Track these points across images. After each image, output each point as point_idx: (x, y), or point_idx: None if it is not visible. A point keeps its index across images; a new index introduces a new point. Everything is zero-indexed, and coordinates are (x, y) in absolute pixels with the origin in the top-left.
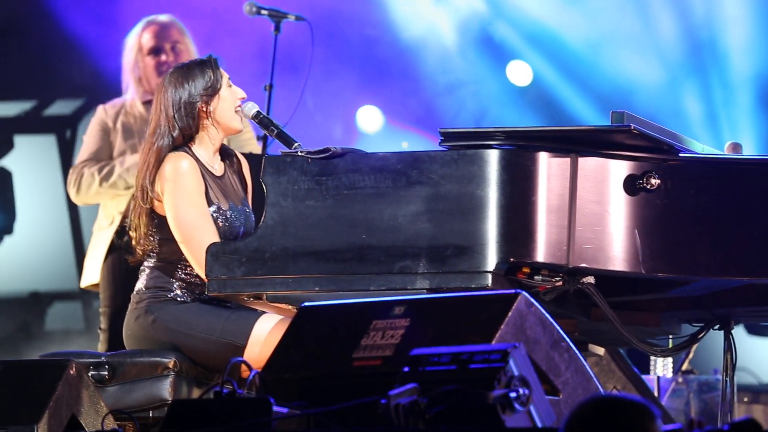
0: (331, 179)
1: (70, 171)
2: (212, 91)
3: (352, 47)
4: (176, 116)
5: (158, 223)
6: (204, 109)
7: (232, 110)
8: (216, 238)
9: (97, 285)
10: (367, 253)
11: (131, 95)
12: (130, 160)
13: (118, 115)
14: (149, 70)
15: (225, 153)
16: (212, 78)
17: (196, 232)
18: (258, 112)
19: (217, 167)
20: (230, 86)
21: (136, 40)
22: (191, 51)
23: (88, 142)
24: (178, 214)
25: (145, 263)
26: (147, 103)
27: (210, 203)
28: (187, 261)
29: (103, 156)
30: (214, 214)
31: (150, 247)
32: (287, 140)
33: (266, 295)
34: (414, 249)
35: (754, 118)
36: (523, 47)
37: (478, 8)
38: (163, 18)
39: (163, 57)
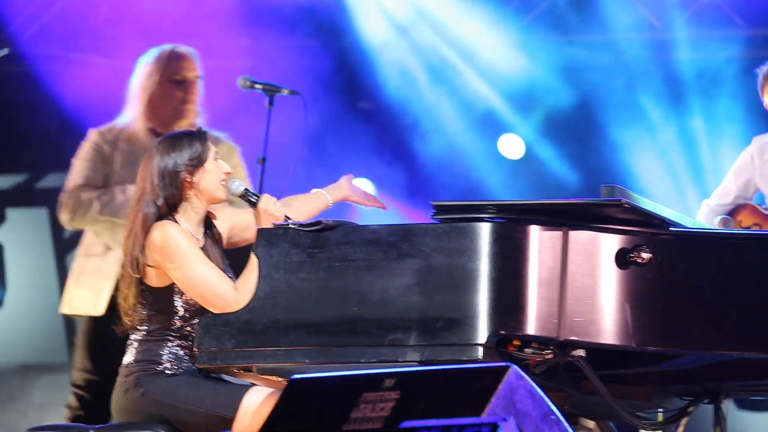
0: (323, 252)
1: (63, 194)
2: (198, 162)
3: (345, 120)
4: (161, 185)
5: (148, 294)
6: (189, 180)
7: (216, 182)
8: (230, 284)
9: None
10: (358, 325)
11: (132, 120)
12: (132, 191)
13: (117, 141)
14: (165, 99)
15: (206, 224)
16: (199, 150)
17: (210, 285)
18: (246, 189)
19: (201, 237)
20: (216, 160)
21: (158, 65)
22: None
23: (81, 166)
24: (186, 275)
25: (133, 336)
26: (151, 131)
27: None
28: (176, 333)
29: (99, 182)
30: None
31: (138, 319)
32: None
33: (257, 367)
34: (405, 321)
35: None
36: (515, 120)
37: (475, 85)
38: (187, 50)
39: (181, 91)
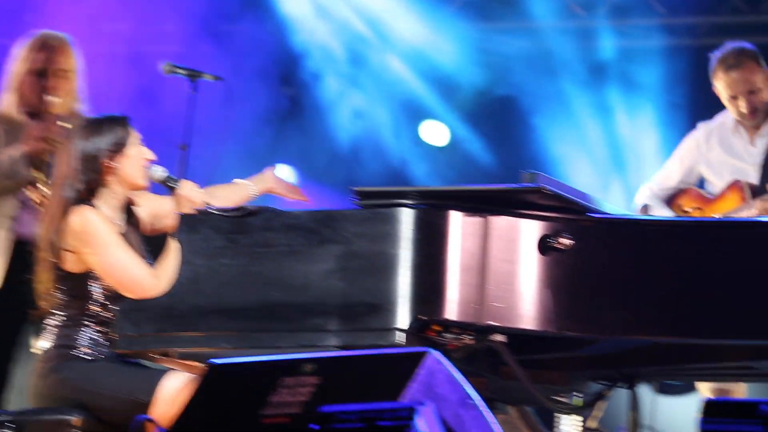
0: (245, 237)
1: None
2: (119, 148)
3: (267, 106)
4: (80, 169)
5: (65, 279)
6: (109, 165)
7: (137, 169)
8: (148, 270)
9: None
10: (278, 310)
11: (6, 105)
12: (14, 151)
13: None
14: (31, 91)
15: (126, 209)
16: (120, 135)
17: (127, 271)
18: (168, 176)
19: (120, 223)
20: (139, 146)
21: (27, 55)
22: (76, 80)
23: None
24: (104, 260)
25: (50, 321)
26: (28, 114)
27: None
28: (93, 318)
29: None
30: None
31: (55, 304)
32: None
33: (176, 352)
34: (326, 307)
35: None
36: (438, 106)
37: (396, 68)
38: (58, 41)
39: (49, 82)
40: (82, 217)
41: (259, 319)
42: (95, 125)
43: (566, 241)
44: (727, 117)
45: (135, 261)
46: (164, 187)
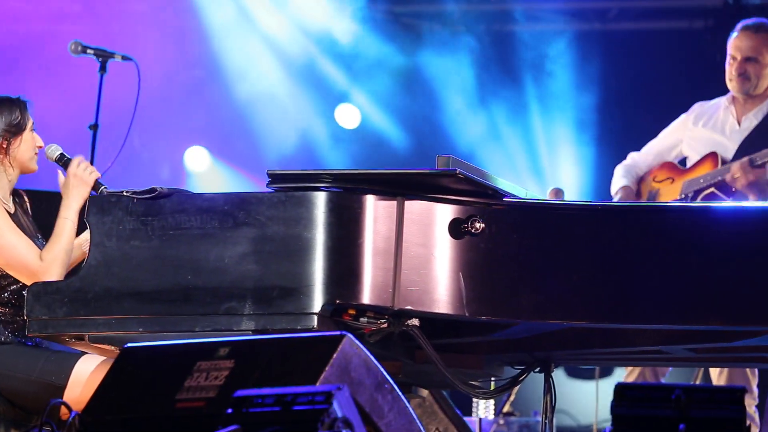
0: (157, 220)
1: None
2: (16, 130)
3: (180, 87)
4: None
5: None
6: (4, 146)
7: (30, 153)
8: (36, 253)
9: None
10: (192, 294)
11: None
12: None
13: None
14: None
15: (15, 192)
16: (18, 118)
17: (15, 252)
18: (62, 154)
19: (10, 205)
20: (32, 131)
21: None
22: None
23: None
24: None
25: None
26: None
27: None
28: None
29: None
30: None
31: None
32: (94, 184)
33: (89, 335)
34: (240, 290)
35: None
36: (351, 89)
37: (308, 49)
38: None
39: None
40: None
41: (173, 303)
42: None
43: (479, 225)
44: (724, 97)
45: (24, 243)
46: (58, 165)
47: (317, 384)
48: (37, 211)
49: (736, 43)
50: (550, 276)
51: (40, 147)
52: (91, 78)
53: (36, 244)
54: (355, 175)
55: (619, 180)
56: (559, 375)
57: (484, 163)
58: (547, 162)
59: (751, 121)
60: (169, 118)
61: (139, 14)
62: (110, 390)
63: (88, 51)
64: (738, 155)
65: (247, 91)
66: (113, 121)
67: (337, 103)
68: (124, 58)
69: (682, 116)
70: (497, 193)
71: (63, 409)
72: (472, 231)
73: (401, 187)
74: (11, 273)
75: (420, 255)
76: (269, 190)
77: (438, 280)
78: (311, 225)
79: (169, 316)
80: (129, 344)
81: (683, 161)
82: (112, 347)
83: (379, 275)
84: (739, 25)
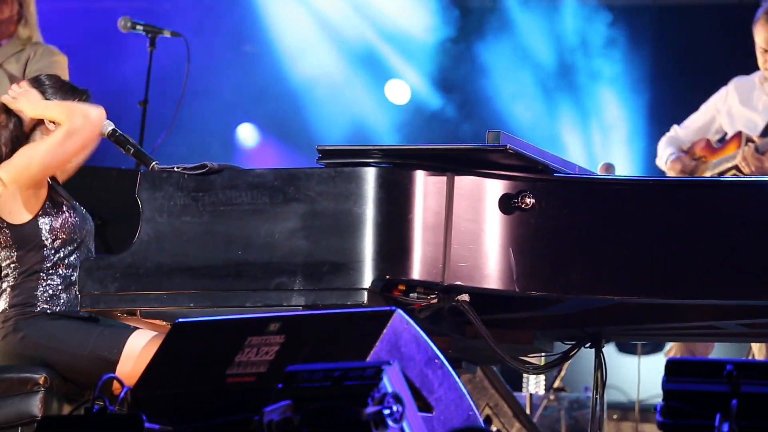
0: (208, 195)
1: None
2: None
3: (229, 64)
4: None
5: (13, 236)
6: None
7: None
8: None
9: None
10: (243, 269)
11: None
12: None
13: None
14: None
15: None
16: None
17: (49, 146)
18: (114, 130)
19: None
20: None
21: None
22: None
23: None
24: (47, 151)
25: (2, 284)
26: None
27: (59, 200)
28: (45, 271)
29: None
30: (66, 212)
31: (7, 263)
32: (144, 159)
33: (140, 311)
34: (290, 266)
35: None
36: (402, 66)
37: (357, 26)
38: None
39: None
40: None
41: (224, 278)
42: (60, 85)
43: (530, 201)
44: (759, 73)
45: (45, 142)
46: (110, 141)
47: (367, 359)
48: (81, 186)
49: (763, 35)
50: (600, 251)
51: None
52: (142, 54)
53: (71, 205)
54: (404, 150)
55: (666, 150)
56: (609, 350)
57: (535, 138)
58: (598, 137)
59: None
60: (219, 95)
61: None
62: (161, 365)
63: (138, 27)
64: (765, 133)
65: (297, 68)
66: (163, 97)
67: (387, 79)
68: (173, 34)
69: (722, 90)
70: (547, 168)
71: (115, 384)
72: (522, 206)
73: (451, 162)
74: (80, 143)
75: (470, 230)
76: (319, 165)
77: (488, 255)
78: (361, 200)
79: (219, 291)
80: (180, 319)
81: (724, 137)
82: (164, 322)
83: (428, 251)
84: (764, 12)
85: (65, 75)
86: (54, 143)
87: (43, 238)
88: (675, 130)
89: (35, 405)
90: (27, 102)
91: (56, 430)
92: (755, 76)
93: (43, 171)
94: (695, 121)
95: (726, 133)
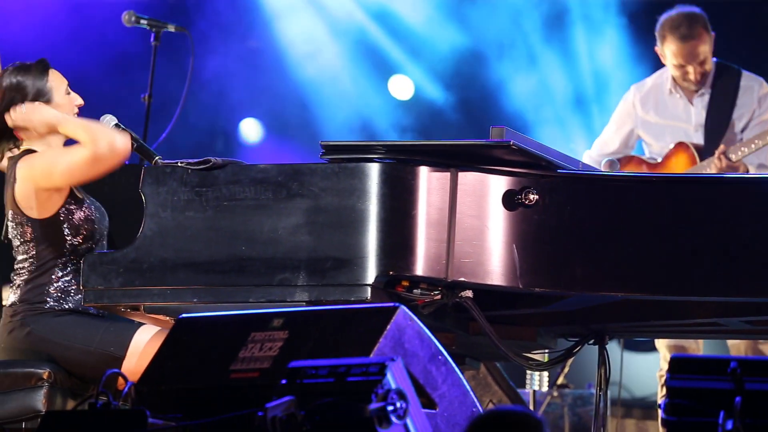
0: (212, 190)
1: None
2: (50, 95)
3: (233, 59)
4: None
5: (35, 231)
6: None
7: (71, 114)
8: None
9: None
10: (246, 264)
11: None
12: None
13: None
14: None
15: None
16: (48, 82)
17: (70, 157)
18: (117, 124)
19: None
20: (69, 93)
21: None
22: None
23: None
24: (67, 162)
25: (15, 278)
26: None
27: (80, 197)
28: (61, 266)
29: None
30: (88, 208)
31: (25, 257)
32: (148, 154)
33: (144, 306)
34: (294, 261)
35: None
36: (405, 61)
37: (360, 21)
38: None
39: None
40: (25, 163)
41: (228, 274)
42: (23, 71)
43: (533, 197)
44: (662, 78)
45: (69, 152)
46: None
47: (371, 355)
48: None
49: (680, 51)
50: (603, 247)
51: (80, 105)
52: (146, 48)
53: (86, 203)
54: (408, 146)
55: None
56: (613, 347)
57: (539, 133)
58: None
59: (701, 98)
60: (223, 90)
61: None
62: (165, 360)
63: (142, 21)
64: (707, 137)
65: (301, 64)
66: (167, 92)
67: (390, 74)
68: (178, 28)
69: (625, 103)
70: (551, 165)
71: (120, 379)
72: (526, 202)
73: (455, 158)
74: (101, 164)
75: (473, 226)
76: (322, 161)
77: (491, 251)
78: (365, 196)
79: (223, 286)
80: (184, 315)
81: (638, 145)
82: (167, 318)
83: (432, 247)
84: (670, 28)
85: None
86: (78, 162)
87: (65, 234)
88: (590, 158)
89: (39, 400)
90: (40, 118)
91: (60, 425)
92: (660, 82)
93: (66, 182)
94: (610, 143)
95: (650, 145)
